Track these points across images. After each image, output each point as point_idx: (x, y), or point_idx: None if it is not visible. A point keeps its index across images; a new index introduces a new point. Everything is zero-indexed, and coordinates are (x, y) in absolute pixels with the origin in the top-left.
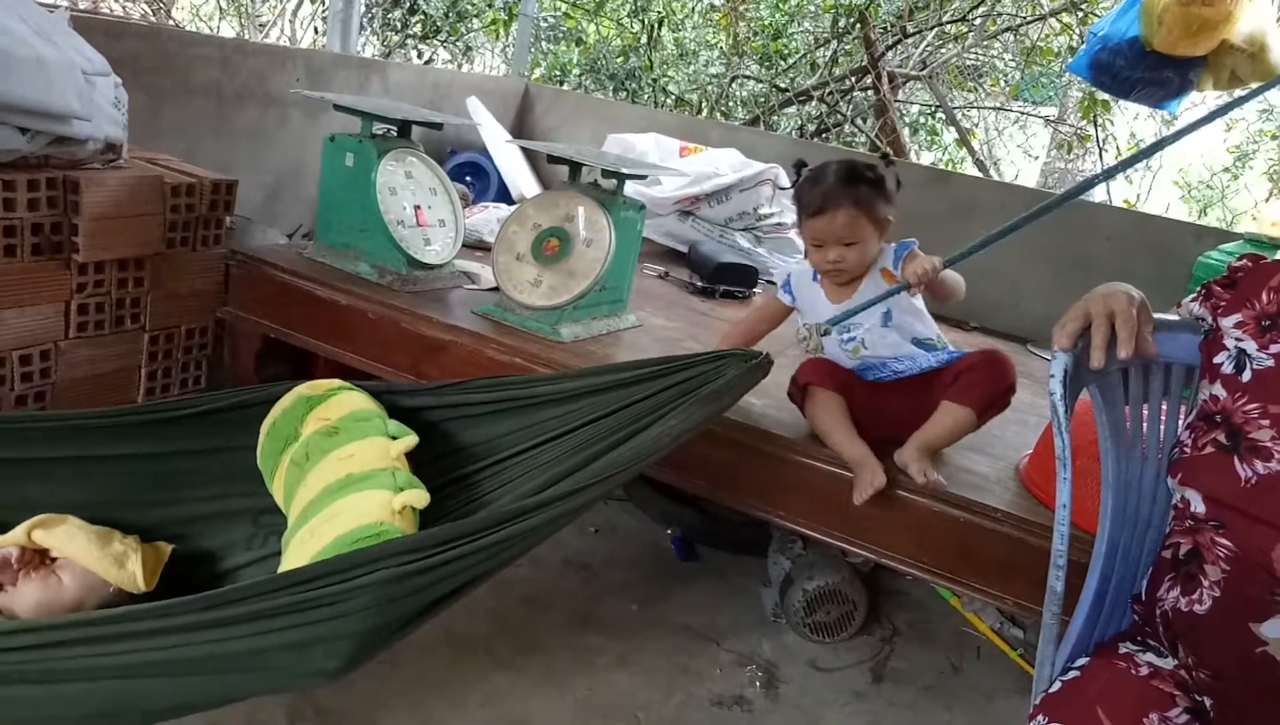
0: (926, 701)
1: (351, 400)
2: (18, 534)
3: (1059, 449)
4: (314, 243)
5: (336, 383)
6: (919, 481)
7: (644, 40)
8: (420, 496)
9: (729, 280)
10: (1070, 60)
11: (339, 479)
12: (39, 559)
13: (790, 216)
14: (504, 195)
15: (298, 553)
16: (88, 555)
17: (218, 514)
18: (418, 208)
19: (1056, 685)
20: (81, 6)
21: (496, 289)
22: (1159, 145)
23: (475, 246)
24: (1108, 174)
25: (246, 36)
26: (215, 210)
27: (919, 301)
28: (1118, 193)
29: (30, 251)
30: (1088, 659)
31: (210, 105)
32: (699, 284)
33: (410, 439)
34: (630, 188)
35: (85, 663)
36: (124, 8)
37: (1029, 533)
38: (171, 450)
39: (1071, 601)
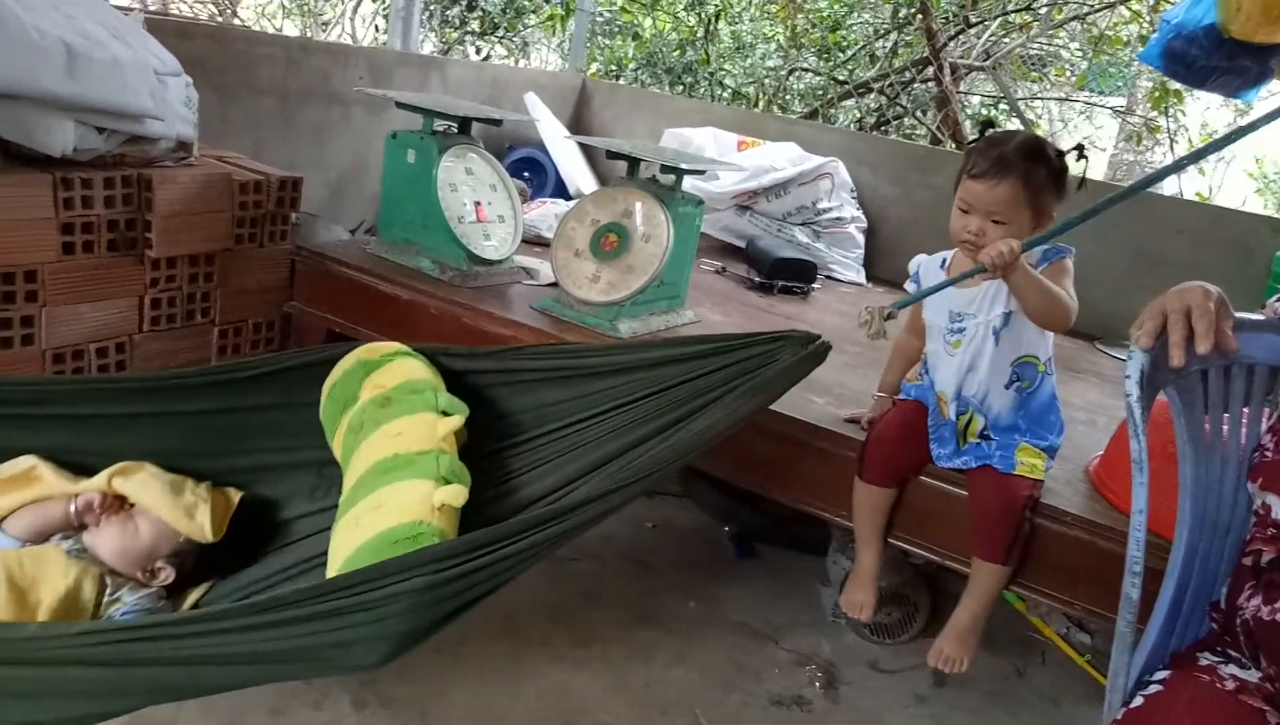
0: (990, 706)
1: (407, 367)
2: (99, 480)
3: (1135, 452)
4: (376, 238)
5: (394, 347)
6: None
7: (701, 34)
8: (459, 493)
9: (787, 275)
10: (1141, 49)
11: (386, 458)
12: (118, 504)
13: (850, 211)
14: (561, 191)
15: (343, 540)
16: (161, 505)
17: (284, 465)
18: (478, 204)
19: (1138, 700)
20: (152, 7)
21: (555, 284)
22: (1238, 134)
23: (533, 242)
24: (1184, 162)
25: (309, 35)
26: (281, 207)
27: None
28: (1189, 185)
29: (106, 247)
30: (1167, 671)
31: (276, 103)
32: (757, 279)
33: (457, 419)
34: (688, 183)
35: (153, 653)
36: (192, 8)
37: (1099, 536)
38: (243, 406)
39: (1146, 609)
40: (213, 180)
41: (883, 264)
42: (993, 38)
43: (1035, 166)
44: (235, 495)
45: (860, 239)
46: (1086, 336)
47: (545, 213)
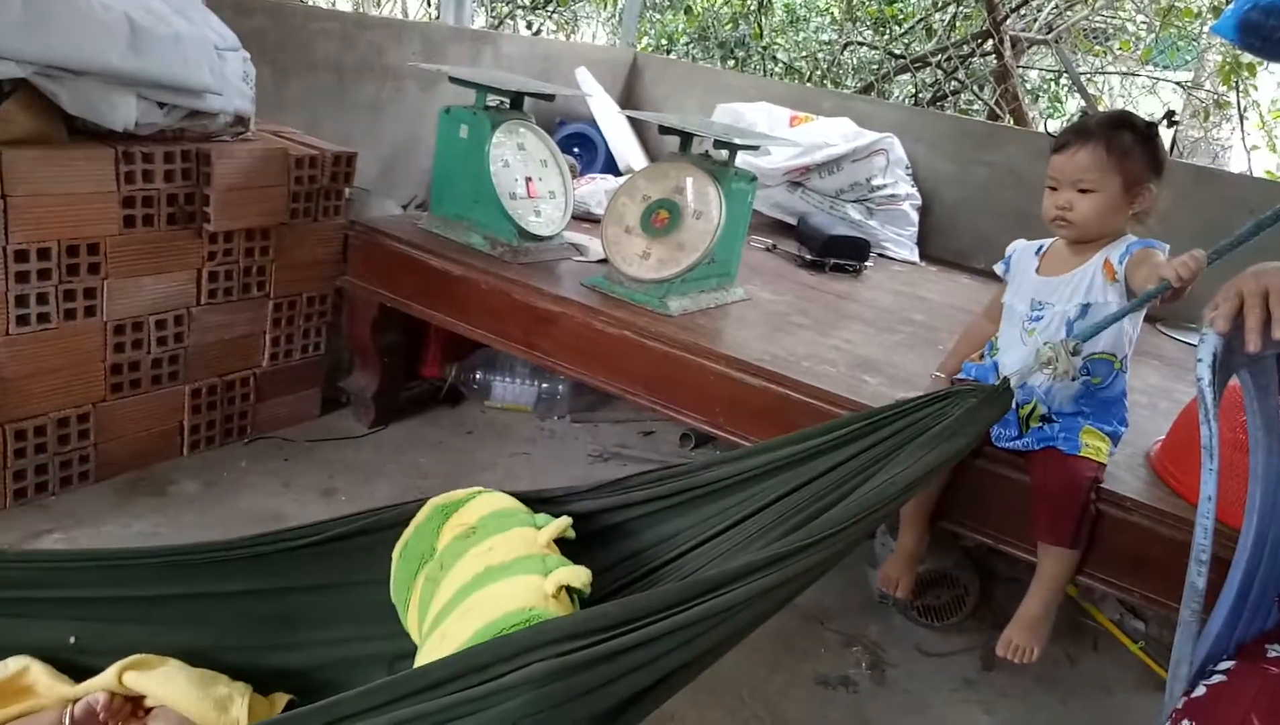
0: (1040, 693)
1: (491, 501)
2: (108, 677)
3: (1205, 438)
4: (428, 214)
5: (474, 489)
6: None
7: (754, 7)
8: (580, 574)
9: (839, 253)
10: (1214, 21)
11: (476, 574)
12: (130, 709)
13: (904, 188)
14: (611, 166)
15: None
16: (186, 700)
17: (345, 660)
18: (529, 179)
19: (1201, 690)
20: None
21: (605, 261)
22: None
23: (582, 218)
24: None
25: (363, 10)
26: (336, 182)
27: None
28: (1259, 162)
29: (166, 221)
30: (1232, 662)
31: (331, 78)
32: (808, 257)
33: (560, 522)
34: (740, 158)
35: None
36: None
37: (1161, 522)
38: (293, 586)
39: (1211, 598)
40: (269, 155)
41: (937, 243)
42: (1055, 9)
43: (1118, 131)
44: (281, 701)
45: (914, 217)
46: (1148, 318)
47: (595, 189)
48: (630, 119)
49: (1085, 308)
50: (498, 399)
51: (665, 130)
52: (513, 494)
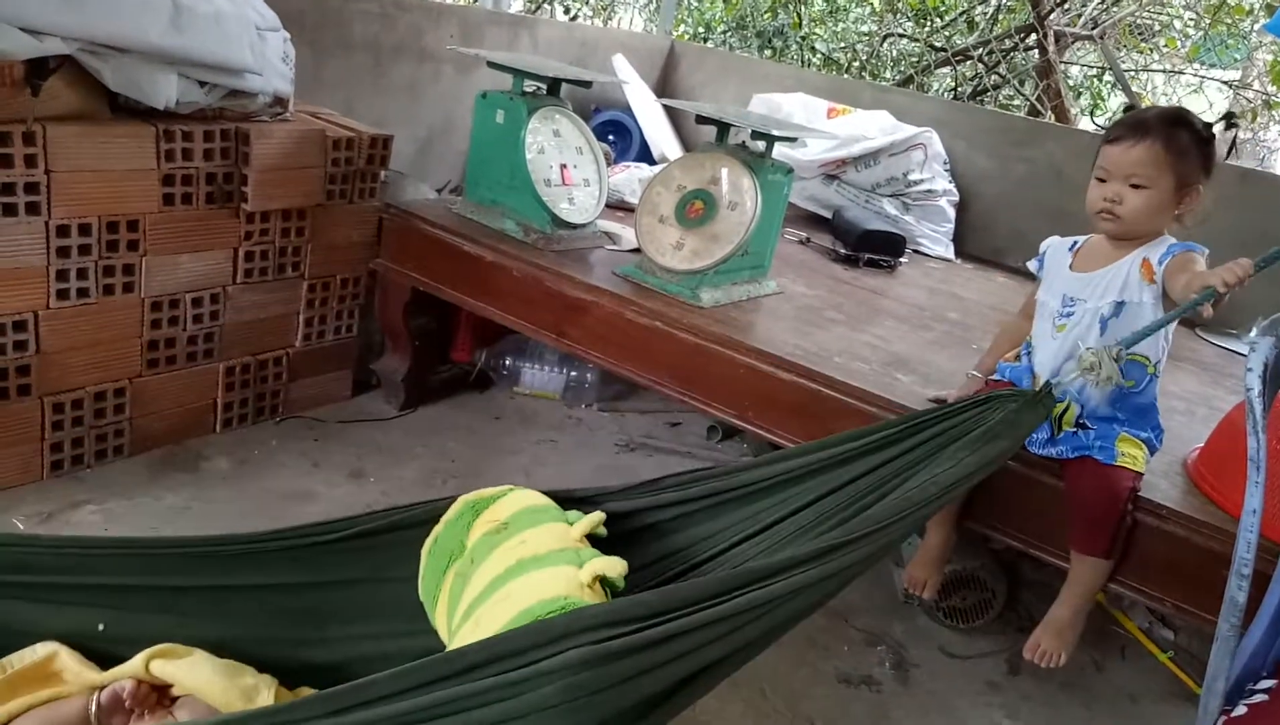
0: (1065, 699)
1: (523, 498)
2: (134, 665)
3: (1252, 449)
4: (462, 198)
5: (505, 487)
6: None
7: None
8: (616, 564)
9: (874, 248)
10: (1267, 20)
11: (509, 567)
12: (156, 697)
13: (942, 183)
14: (646, 155)
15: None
16: (212, 690)
17: (372, 656)
18: (564, 166)
19: (1241, 709)
20: None
21: (638, 250)
22: None
23: (616, 207)
24: None
25: None
26: (372, 164)
27: (1159, 314)
28: None
29: (204, 200)
30: (1273, 680)
31: (369, 60)
32: (842, 251)
33: (594, 517)
34: (776, 150)
35: None
36: None
37: (1196, 532)
38: (321, 580)
39: (1250, 613)
40: (307, 136)
41: (973, 240)
42: (1101, 4)
43: (1176, 130)
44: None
45: (951, 213)
46: (1186, 323)
47: (629, 177)
48: (666, 108)
49: (1119, 306)
50: (526, 385)
51: (702, 120)
52: (544, 492)
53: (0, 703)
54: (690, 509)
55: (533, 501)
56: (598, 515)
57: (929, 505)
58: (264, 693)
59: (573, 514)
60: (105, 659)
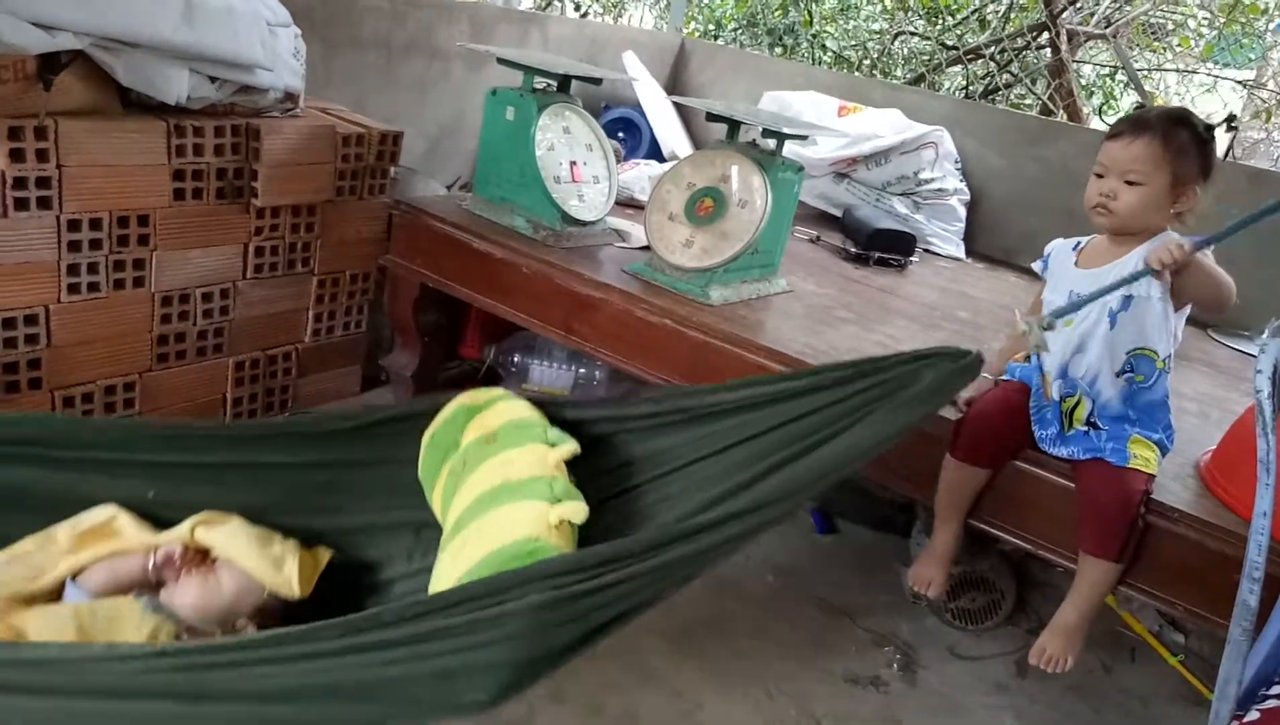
0: (1073, 701)
1: (512, 408)
2: (181, 531)
3: (1262, 452)
4: (472, 195)
5: (497, 392)
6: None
7: None
8: (578, 509)
9: (884, 247)
10: None
11: (494, 486)
12: (200, 558)
13: (953, 182)
14: (656, 152)
15: (448, 567)
16: (247, 557)
17: (378, 525)
18: (573, 163)
19: (1254, 715)
20: None
21: (647, 248)
22: None
23: (626, 204)
24: None
25: None
26: (382, 160)
27: (1168, 308)
28: None
29: (215, 195)
30: None
31: (379, 57)
32: (852, 250)
33: (570, 446)
34: (787, 148)
35: (227, 685)
36: None
37: (1208, 535)
38: (336, 460)
39: (1262, 617)
40: (317, 132)
41: (984, 240)
42: (1114, 3)
43: (1176, 128)
44: (325, 555)
45: (962, 212)
46: (1199, 323)
47: (639, 175)
48: (676, 105)
49: (1128, 299)
50: (535, 382)
51: (713, 117)
52: (528, 398)
53: (73, 553)
54: (655, 423)
55: (521, 414)
56: (572, 446)
57: (840, 471)
58: (289, 561)
59: (554, 433)
60: (158, 522)
